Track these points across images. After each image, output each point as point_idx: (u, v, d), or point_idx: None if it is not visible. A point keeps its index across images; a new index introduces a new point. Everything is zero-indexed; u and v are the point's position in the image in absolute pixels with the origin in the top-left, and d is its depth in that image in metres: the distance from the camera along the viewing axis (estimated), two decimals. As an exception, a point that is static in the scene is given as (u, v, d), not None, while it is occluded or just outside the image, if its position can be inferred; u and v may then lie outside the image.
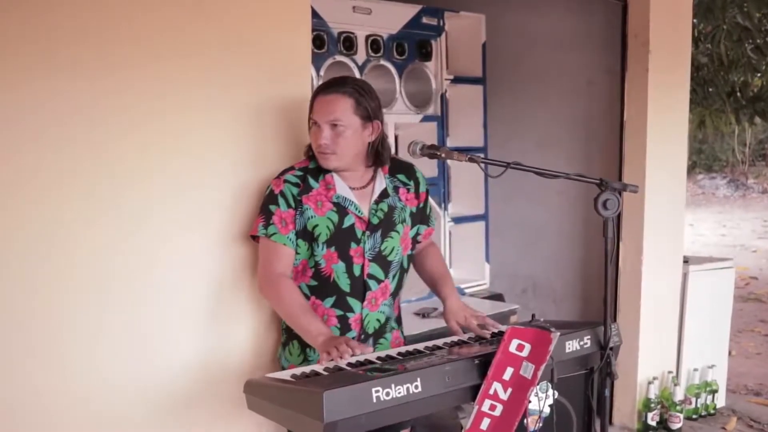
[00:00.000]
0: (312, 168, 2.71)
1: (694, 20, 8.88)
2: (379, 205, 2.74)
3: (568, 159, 4.96)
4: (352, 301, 2.73)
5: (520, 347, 2.33)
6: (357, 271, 2.70)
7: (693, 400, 4.87)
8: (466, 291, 4.67)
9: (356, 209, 2.70)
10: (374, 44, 4.49)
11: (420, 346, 2.62)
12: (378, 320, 2.79)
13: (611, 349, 2.62)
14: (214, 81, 2.79)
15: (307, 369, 2.33)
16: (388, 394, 2.08)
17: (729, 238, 12.54)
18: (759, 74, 9.74)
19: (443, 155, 2.61)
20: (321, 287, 2.71)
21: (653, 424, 4.61)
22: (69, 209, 2.50)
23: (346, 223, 2.68)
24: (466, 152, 2.83)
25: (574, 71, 5.11)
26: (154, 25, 2.64)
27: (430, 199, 2.98)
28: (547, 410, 3.87)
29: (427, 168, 3.75)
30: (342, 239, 2.68)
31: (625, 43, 4.61)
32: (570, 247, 5.18)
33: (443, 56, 4.83)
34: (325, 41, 4.23)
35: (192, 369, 2.79)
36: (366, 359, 2.39)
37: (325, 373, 2.28)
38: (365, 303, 2.74)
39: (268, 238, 2.62)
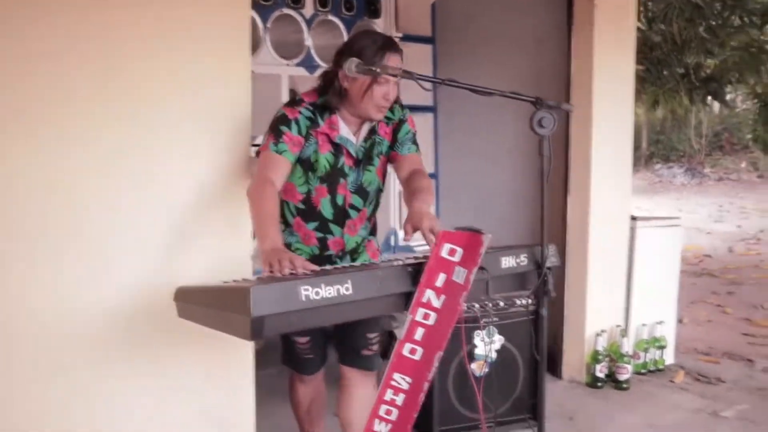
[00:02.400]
0: (319, 104, 2.81)
1: (648, 1, 9.00)
2: (366, 143, 2.87)
3: (517, 115, 4.95)
4: (333, 227, 2.90)
5: (452, 252, 2.33)
6: (340, 201, 2.88)
7: (642, 354, 4.90)
8: (417, 249, 4.67)
9: (351, 147, 2.84)
10: (322, -2, 4.49)
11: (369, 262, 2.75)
12: (356, 242, 2.98)
13: (549, 268, 2.61)
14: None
15: (239, 278, 2.32)
16: (317, 293, 2.07)
17: (685, 222, 12.62)
18: (711, 55, 9.85)
19: (378, 70, 2.60)
20: (307, 212, 2.89)
21: (601, 376, 4.64)
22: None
23: (340, 163, 2.83)
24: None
25: (523, 29, 5.12)
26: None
27: (410, 126, 2.97)
28: (493, 356, 3.91)
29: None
30: (334, 176, 2.84)
31: (571, -1, 4.64)
32: (522, 206, 5.19)
33: (392, 14, 4.85)
34: (272, -7, 4.22)
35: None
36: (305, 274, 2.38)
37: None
38: (345, 229, 2.92)
39: (279, 154, 2.72)
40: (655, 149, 21.91)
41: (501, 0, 5.21)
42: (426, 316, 2.33)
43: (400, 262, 2.42)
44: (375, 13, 4.75)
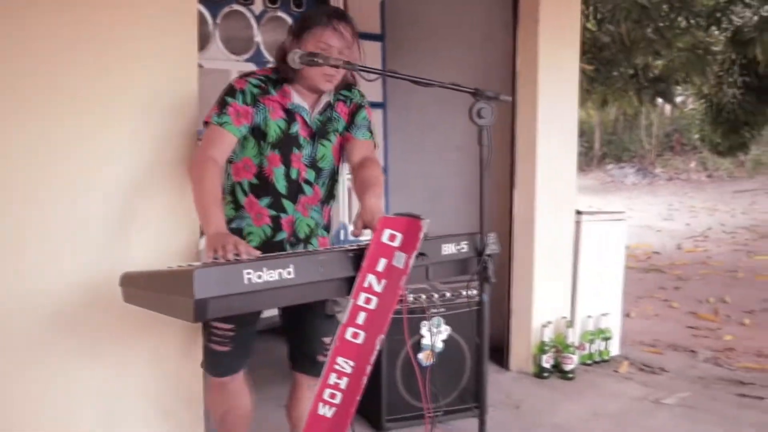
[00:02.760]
0: (273, 78, 2.83)
1: (596, 2, 9.15)
2: (321, 115, 2.89)
3: (465, 111, 5.04)
4: (286, 203, 2.86)
5: (392, 237, 2.39)
6: (294, 175, 2.85)
7: (587, 345, 5.00)
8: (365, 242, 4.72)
9: (306, 115, 2.84)
10: (272, -6, 4.53)
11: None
12: (308, 225, 2.92)
13: (489, 255, 2.67)
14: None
15: (184, 263, 2.35)
16: (260, 276, 2.10)
17: (636, 220, 12.87)
18: (659, 56, 10.03)
19: (321, 61, 2.65)
20: (260, 186, 2.85)
21: (548, 366, 4.73)
22: None
23: (293, 129, 2.82)
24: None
25: (470, 26, 5.21)
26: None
27: (368, 114, 3.01)
28: (440, 345, 3.98)
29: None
30: (287, 144, 2.82)
31: (516, -6, 4.73)
32: (470, 199, 5.25)
33: (341, 11, 4.89)
34: (221, -11, 4.26)
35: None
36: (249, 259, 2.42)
37: (201, 265, 2.31)
38: (297, 206, 2.88)
39: (220, 126, 2.71)
40: (607, 149, 22.21)
41: (448, -2, 5.28)
42: (368, 301, 2.37)
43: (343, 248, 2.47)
44: (324, 10, 4.80)
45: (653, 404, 4.35)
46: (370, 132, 3.01)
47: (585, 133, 20.73)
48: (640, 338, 5.87)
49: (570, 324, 4.84)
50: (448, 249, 2.63)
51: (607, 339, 5.08)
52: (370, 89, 4.81)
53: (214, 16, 4.29)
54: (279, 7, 4.58)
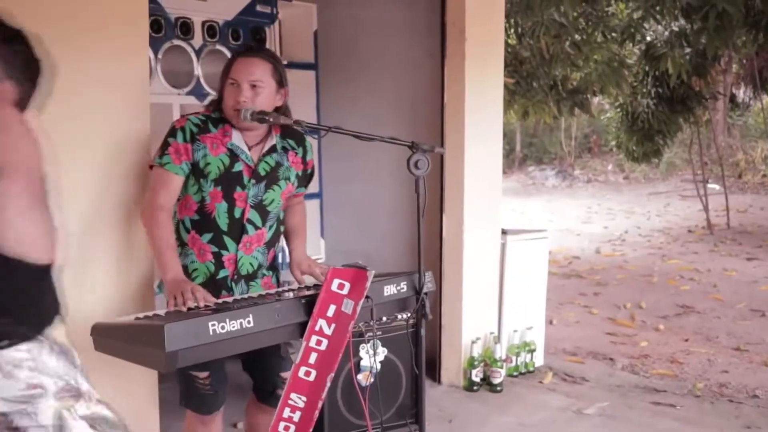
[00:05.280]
0: (214, 117, 2.98)
1: (516, 17, 9.48)
2: (266, 159, 3.02)
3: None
4: (228, 241, 2.97)
5: (341, 286, 2.64)
6: (237, 214, 2.95)
7: (513, 358, 5.30)
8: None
9: (247, 158, 2.96)
10: (210, 30, 4.71)
11: (264, 292, 2.94)
12: (251, 264, 3.03)
13: (425, 293, 2.93)
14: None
15: (150, 312, 2.55)
16: (223, 327, 2.34)
17: (556, 224, 13.31)
18: (577, 69, 10.40)
19: (271, 119, 2.86)
20: (202, 222, 2.96)
21: (477, 380, 5.02)
22: None
23: (236, 168, 2.94)
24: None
25: (400, 56, 5.44)
26: None
27: (311, 165, 3.25)
28: (377, 366, 4.22)
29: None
30: (229, 181, 2.94)
31: (444, 30, 4.98)
32: (400, 223, 5.52)
33: (277, 43, 5.11)
34: (162, 25, 4.43)
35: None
36: (206, 305, 2.63)
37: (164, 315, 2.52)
38: (240, 245, 2.98)
39: (162, 167, 2.87)
40: (528, 152, 22.71)
41: (379, 28, 5.51)
42: (319, 342, 2.62)
43: (293, 295, 2.70)
44: (261, 42, 4.98)
45: (575, 414, 4.67)
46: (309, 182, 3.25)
47: (506, 136, 21.15)
48: (563, 346, 6.19)
49: (497, 339, 5.14)
50: (390, 290, 2.88)
51: (532, 351, 5.40)
52: (306, 118, 5.04)
53: (155, 51, 4.44)
54: (218, 40, 4.75)
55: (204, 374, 2.96)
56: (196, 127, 2.93)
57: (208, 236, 2.96)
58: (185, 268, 2.95)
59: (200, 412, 3.07)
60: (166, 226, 2.84)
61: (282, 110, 3.04)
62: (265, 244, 3.07)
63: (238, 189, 2.95)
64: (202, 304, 2.57)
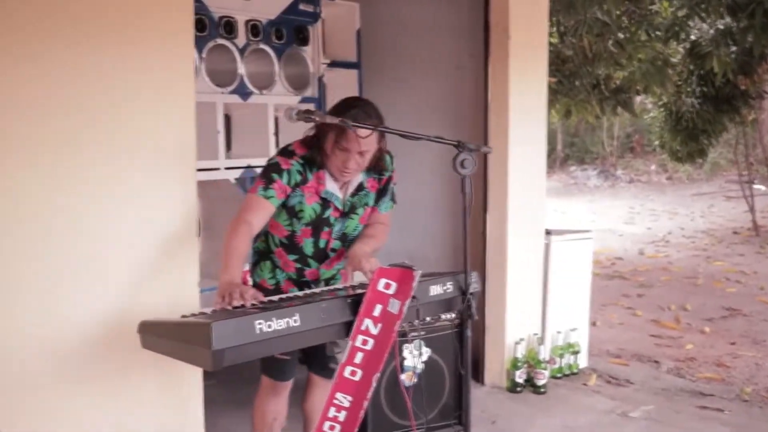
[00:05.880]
0: (308, 157, 3.04)
1: (559, 16, 9.40)
2: (353, 198, 3.14)
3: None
4: (312, 262, 3.19)
5: (387, 285, 2.62)
6: (322, 245, 3.16)
7: (557, 360, 5.26)
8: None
9: (338, 201, 3.10)
10: (254, 29, 4.72)
11: (311, 292, 3.00)
12: (331, 274, 3.29)
13: (471, 294, 2.90)
14: (97, 62, 3.01)
15: (196, 311, 2.56)
16: (270, 326, 2.33)
17: (598, 224, 13.18)
18: (620, 67, 10.28)
19: (317, 118, 2.85)
20: (290, 246, 3.16)
21: (521, 381, 4.98)
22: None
23: (326, 213, 3.10)
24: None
25: (443, 56, 5.43)
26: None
27: (393, 181, 3.28)
28: (421, 366, 4.19)
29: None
30: (319, 224, 3.11)
31: (488, 30, 4.95)
32: (442, 222, 5.50)
33: (320, 41, 5.11)
34: (206, 25, 4.44)
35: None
36: (253, 304, 2.63)
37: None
38: (323, 265, 3.21)
39: (267, 199, 2.96)
40: (569, 152, 22.54)
41: (421, 28, 5.50)
42: (365, 342, 2.60)
43: (342, 294, 2.69)
44: (304, 41, 5.00)
45: (620, 417, 4.61)
46: (393, 200, 3.31)
47: (548, 135, 21.00)
48: (606, 347, 6.13)
49: (541, 340, 5.09)
50: (435, 290, 2.85)
51: (575, 353, 5.34)
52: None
53: (199, 50, 4.46)
54: (261, 39, 4.76)
55: None
56: (299, 175, 3.02)
57: (294, 256, 3.18)
58: (273, 267, 3.23)
59: (277, 379, 3.27)
60: (244, 240, 2.90)
61: (377, 156, 3.10)
62: (345, 258, 3.21)
63: (325, 228, 3.12)
64: (248, 303, 2.57)
